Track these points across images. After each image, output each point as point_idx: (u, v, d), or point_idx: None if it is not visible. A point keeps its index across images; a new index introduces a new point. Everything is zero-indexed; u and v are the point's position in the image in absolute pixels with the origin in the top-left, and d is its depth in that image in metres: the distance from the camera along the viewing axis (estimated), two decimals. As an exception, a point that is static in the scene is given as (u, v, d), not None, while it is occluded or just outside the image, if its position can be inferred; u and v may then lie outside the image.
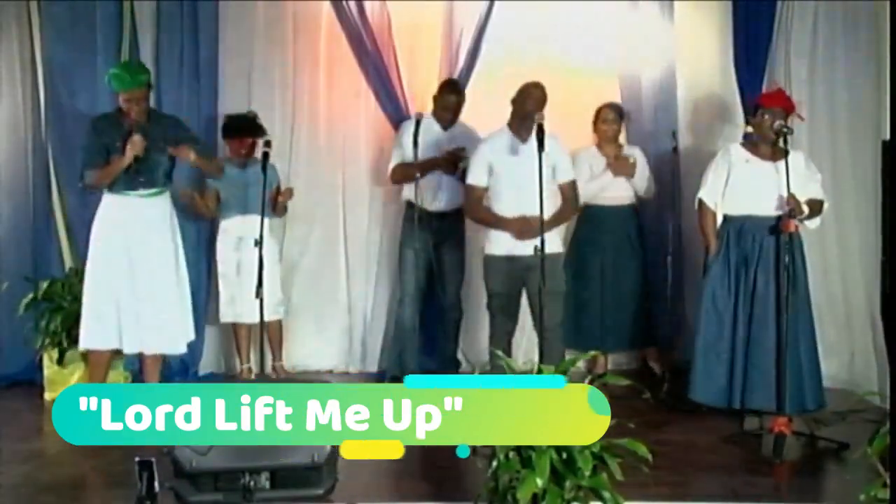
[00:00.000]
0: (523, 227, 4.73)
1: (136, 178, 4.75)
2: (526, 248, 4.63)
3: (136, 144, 4.66)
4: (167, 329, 4.86)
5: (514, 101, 4.87)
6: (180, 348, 5.06)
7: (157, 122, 4.85)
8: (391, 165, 5.63)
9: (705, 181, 4.98)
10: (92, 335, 4.85)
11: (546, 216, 4.65)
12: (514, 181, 4.75)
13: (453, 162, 5.46)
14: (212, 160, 5.06)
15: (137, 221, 4.77)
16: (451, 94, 5.57)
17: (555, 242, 4.88)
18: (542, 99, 4.85)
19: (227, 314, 5.65)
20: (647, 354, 6.02)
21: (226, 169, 5.54)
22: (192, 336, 5.11)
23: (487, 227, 4.96)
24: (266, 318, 5.48)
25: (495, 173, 4.85)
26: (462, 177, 5.48)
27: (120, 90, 4.73)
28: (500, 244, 4.83)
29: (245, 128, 5.60)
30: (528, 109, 4.78)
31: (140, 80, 4.72)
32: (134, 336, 4.82)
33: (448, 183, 5.52)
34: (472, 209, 4.99)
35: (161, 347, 4.94)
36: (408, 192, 5.61)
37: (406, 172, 5.55)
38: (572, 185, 4.96)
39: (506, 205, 4.81)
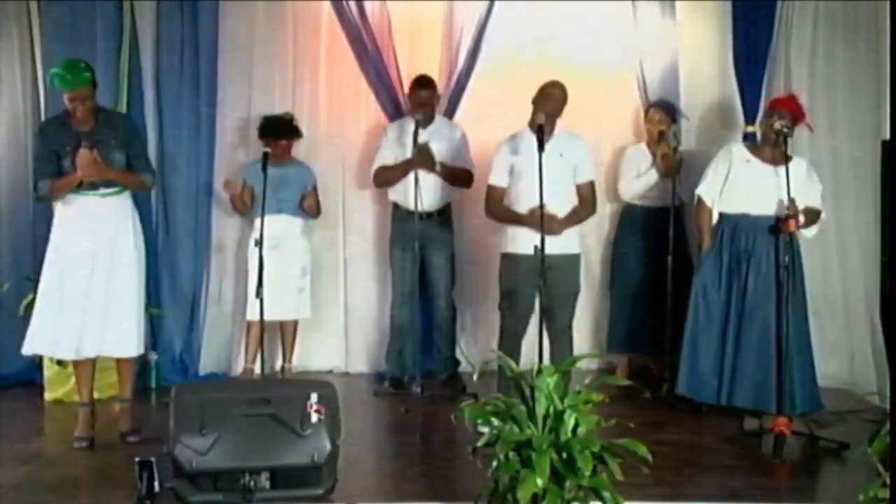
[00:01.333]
0: (545, 220, 4.62)
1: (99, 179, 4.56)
2: (546, 246, 4.56)
3: (84, 159, 4.45)
4: (124, 331, 4.62)
5: (534, 102, 4.85)
6: (136, 351, 4.74)
7: (107, 121, 4.66)
8: (372, 169, 5.67)
9: (705, 178, 5.01)
10: (38, 340, 4.61)
11: (561, 215, 4.70)
12: (534, 181, 4.67)
13: (428, 158, 5.45)
14: (134, 176, 4.68)
15: (98, 221, 4.58)
16: (422, 90, 5.59)
17: (572, 243, 4.86)
18: (561, 99, 4.84)
19: (254, 312, 5.48)
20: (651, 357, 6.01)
21: (257, 168, 5.52)
22: (141, 346, 4.79)
23: (507, 224, 4.89)
24: (291, 317, 5.63)
25: (516, 173, 4.82)
26: (442, 174, 5.48)
27: (63, 90, 4.51)
28: (519, 242, 4.76)
29: (281, 129, 5.61)
30: (546, 110, 4.77)
31: (83, 79, 4.48)
32: (92, 340, 4.57)
33: (431, 183, 5.52)
34: (492, 208, 4.95)
35: (118, 350, 4.68)
36: (393, 193, 5.64)
37: (386, 175, 5.60)
38: (590, 186, 4.92)
39: (526, 204, 4.75)
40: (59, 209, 4.65)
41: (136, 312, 4.67)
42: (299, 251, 5.69)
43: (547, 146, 4.69)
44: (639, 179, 5.73)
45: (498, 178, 4.90)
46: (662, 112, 5.74)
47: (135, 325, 4.66)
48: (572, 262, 4.84)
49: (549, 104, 4.79)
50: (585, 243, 6.11)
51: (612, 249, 5.99)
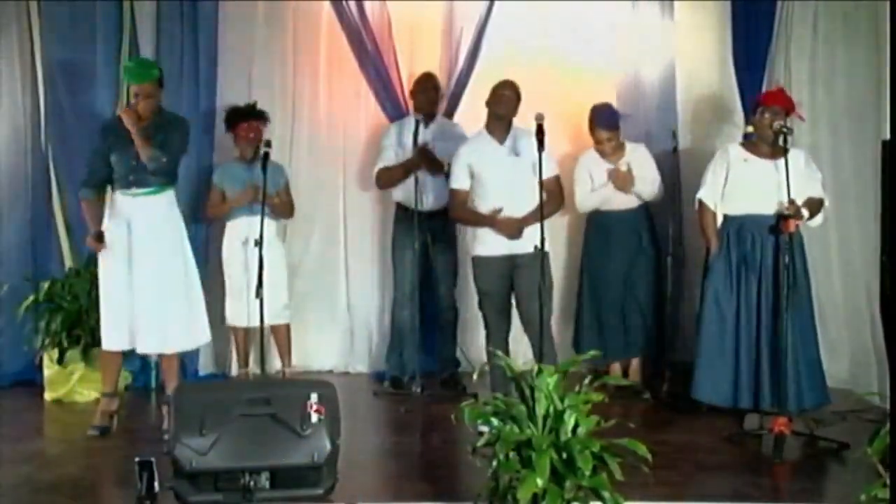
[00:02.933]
0: (505, 224, 4.73)
1: (127, 177, 4.67)
2: (512, 246, 4.70)
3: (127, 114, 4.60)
4: (174, 328, 4.74)
5: (488, 104, 4.87)
6: (188, 346, 4.91)
7: (162, 122, 4.74)
8: (374, 171, 5.66)
9: (704, 181, 4.98)
10: (109, 337, 4.74)
11: (527, 213, 4.71)
12: (495, 182, 4.78)
13: (429, 160, 5.46)
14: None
15: (134, 220, 4.68)
16: (428, 85, 5.63)
17: (535, 241, 4.77)
18: (513, 99, 4.83)
19: (232, 317, 5.56)
20: (629, 363, 5.92)
21: (232, 168, 5.55)
22: (206, 335, 4.96)
23: (472, 226, 4.96)
24: (273, 322, 5.52)
25: (476, 175, 4.85)
26: (447, 176, 5.50)
27: (130, 83, 4.69)
28: (487, 244, 4.83)
29: (247, 112, 5.58)
30: (500, 112, 4.80)
31: (149, 75, 4.66)
32: (144, 336, 4.71)
33: (434, 183, 5.53)
34: (456, 211, 5.00)
35: (170, 346, 4.79)
36: (397, 193, 5.64)
37: (389, 176, 5.60)
38: (555, 181, 4.90)
39: (489, 205, 4.80)
40: (107, 207, 4.79)
41: (180, 309, 4.75)
42: (277, 254, 5.59)
43: (501, 147, 4.77)
44: (594, 194, 5.61)
45: (459, 182, 4.91)
46: (604, 129, 5.56)
47: (175, 322, 4.74)
48: (538, 257, 4.78)
49: (501, 106, 4.81)
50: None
51: (583, 255, 5.82)
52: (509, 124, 4.83)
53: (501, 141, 4.82)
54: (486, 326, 4.98)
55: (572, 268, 6.00)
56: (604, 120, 5.61)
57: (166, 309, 4.71)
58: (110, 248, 4.72)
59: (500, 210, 4.74)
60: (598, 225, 5.71)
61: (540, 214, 4.57)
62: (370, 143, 6.07)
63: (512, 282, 4.84)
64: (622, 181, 5.50)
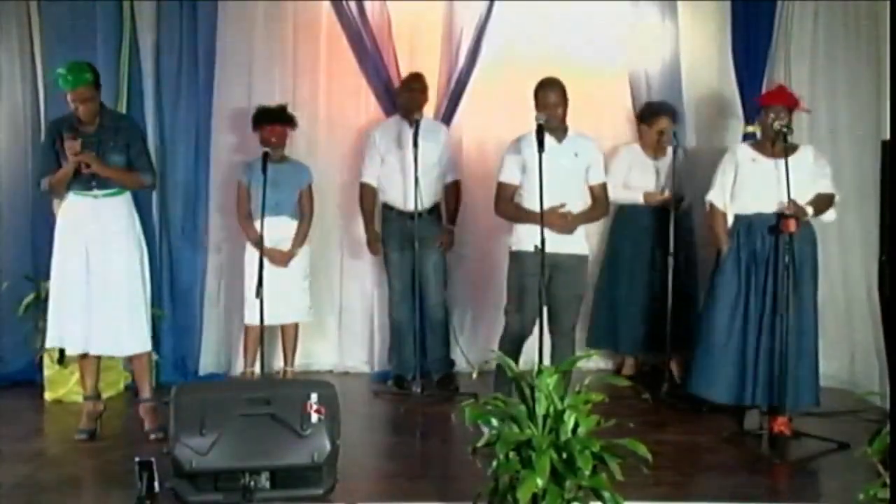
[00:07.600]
0: (556, 219, 4.58)
1: (89, 178, 4.58)
2: (554, 245, 4.47)
3: (72, 148, 4.49)
4: (130, 330, 4.67)
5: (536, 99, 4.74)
6: (143, 348, 4.77)
7: (110, 123, 4.68)
8: (361, 180, 5.72)
9: (714, 183, 4.95)
10: (55, 335, 4.69)
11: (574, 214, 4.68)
12: (548, 179, 4.46)
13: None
14: (130, 174, 4.68)
15: (93, 222, 4.60)
16: (419, 83, 5.63)
17: (580, 244, 4.78)
18: (557, 100, 4.70)
19: (251, 317, 5.45)
20: (623, 360, 6.02)
21: (252, 167, 5.45)
22: (147, 342, 4.81)
23: (515, 222, 4.81)
24: (296, 321, 5.60)
25: (528, 171, 4.71)
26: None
27: (65, 89, 4.56)
28: (525, 240, 4.64)
29: (275, 115, 5.55)
30: (546, 111, 4.64)
31: (83, 79, 4.53)
32: (94, 337, 4.62)
33: (422, 182, 5.50)
34: (503, 206, 4.84)
35: (125, 349, 4.75)
36: (384, 195, 5.64)
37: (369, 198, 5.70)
38: (603, 187, 4.85)
39: (538, 202, 4.50)
40: (60, 211, 4.70)
41: (140, 311, 4.71)
42: (299, 254, 5.62)
43: (562, 145, 4.69)
44: (625, 190, 5.67)
45: (509, 176, 4.80)
46: (668, 116, 5.68)
47: (141, 324, 4.71)
48: (581, 263, 4.77)
49: (543, 107, 4.66)
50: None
51: (608, 249, 5.93)
52: (565, 123, 4.74)
53: (560, 140, 4.71)
54: (506, 329, 4.83)
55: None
56: (667, 106, 5.73)
57: (124, 312, 4.64)
58: (66, 249, 4.63)
59: (563, 205, 4.62)
60: (630, 218, 5.77)
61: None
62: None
63: (548, 283, 4.55)
64: (653, 201, 5.65)
